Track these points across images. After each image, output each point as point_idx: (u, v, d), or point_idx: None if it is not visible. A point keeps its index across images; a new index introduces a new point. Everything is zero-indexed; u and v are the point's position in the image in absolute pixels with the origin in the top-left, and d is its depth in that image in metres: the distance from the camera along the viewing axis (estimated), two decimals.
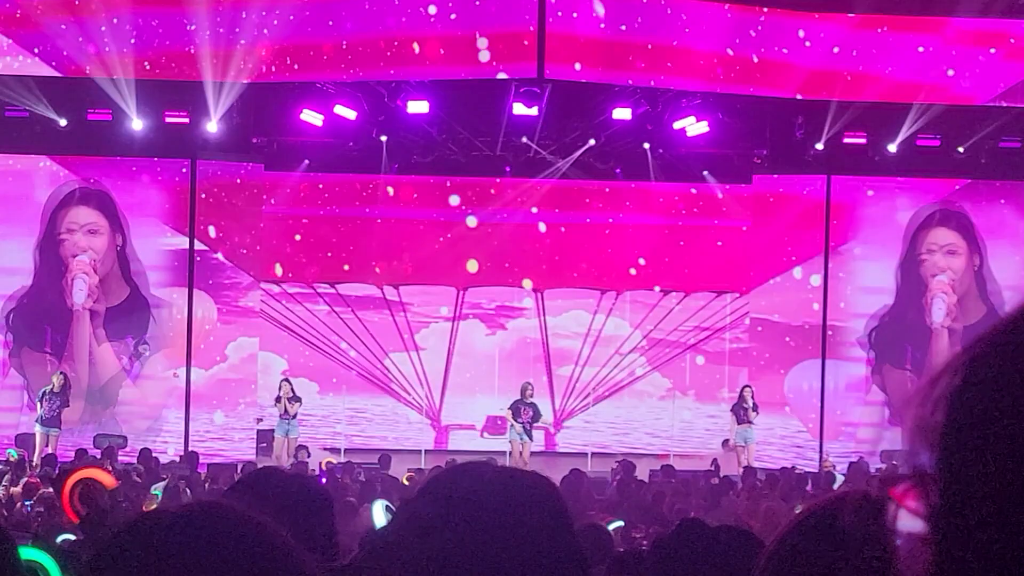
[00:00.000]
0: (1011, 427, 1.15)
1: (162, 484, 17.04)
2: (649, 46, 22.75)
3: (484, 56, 22.58)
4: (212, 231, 23.90)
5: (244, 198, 24.10)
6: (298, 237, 24.56)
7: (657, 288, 24.83)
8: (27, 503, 15.54)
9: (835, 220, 24.27)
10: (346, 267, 24.71)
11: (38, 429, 21.98)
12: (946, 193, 24.37)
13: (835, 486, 19.01)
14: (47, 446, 21.72)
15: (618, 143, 23.95)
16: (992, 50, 23.12)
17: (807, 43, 23.09)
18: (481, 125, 23.76)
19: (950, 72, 23.13)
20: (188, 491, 16.18)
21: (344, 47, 22.67)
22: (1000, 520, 1.15)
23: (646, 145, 23.89)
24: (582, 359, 24.96)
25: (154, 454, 20.65)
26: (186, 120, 22.86)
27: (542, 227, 24.90)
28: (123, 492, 14.82)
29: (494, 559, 2.05)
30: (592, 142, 23.76)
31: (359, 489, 17.23)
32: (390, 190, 24.48)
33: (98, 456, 20.16)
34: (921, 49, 23.00)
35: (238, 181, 24.04)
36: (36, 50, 22.43)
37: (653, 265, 24.83)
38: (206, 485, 17.63)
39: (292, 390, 23.00)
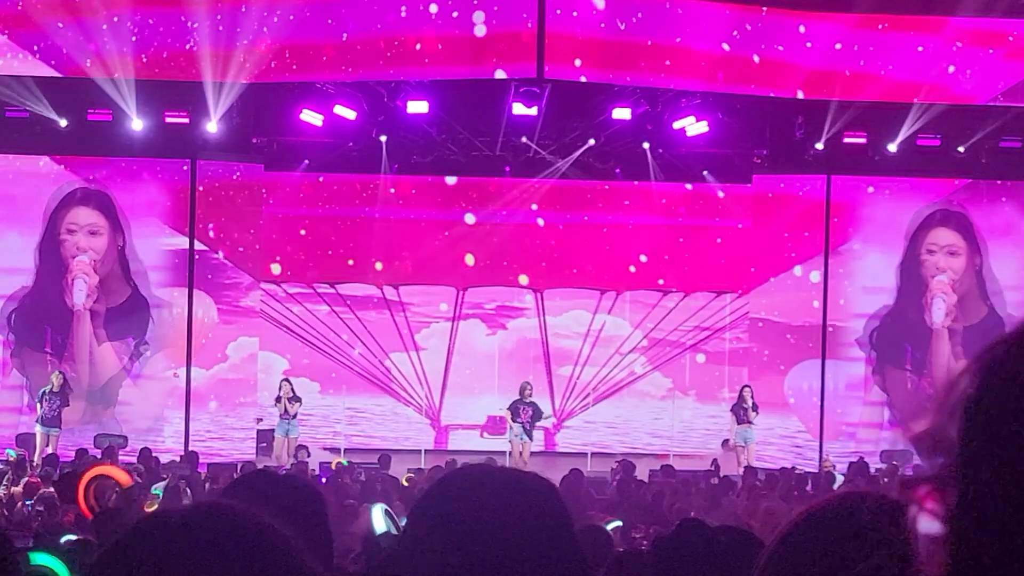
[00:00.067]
0: None
1: (163, 484, 17.05)
2: (649, 42, 22.72)
3: (480, 31, 22.47)
4: (212, 231, 23.90)
5: (244, 198, 24.10)
6: (301, 234, 24.56)
7: (661, 281, 24.83)
8: (27, 503, 15.56)
9: (835, 220, 24.27)
10: (347, 266, 24.70)
11: (38, 429, 21.98)
12: (946, 193, 24.38)
13: (835, 486, 19.02)
14: (48, 446, 21.73)
15: (618, 143, 23.95)
16: (992, 50, 23.12)
17: (807, 43, 23.09)
18: (481, 125, 23.76)
19: (951, 69, 23.12)
20: (188, 491, 16.18)
21: (344, 47, 22.67)
22: (1017, 521, 1.16)
23: (646, 145, 23.89)
24: (582, 359, 24.97)
25: (154, 454, 20.65)
26: (186, 120, 22.85)
27: (541, 224, 24.89)
28: (122, 493, 14.81)
29: (496, 562, 2.05)
30: (592, 142, 23.76)
31: (359, 489, 17.24)
32: (391, 190, 24.47)
33: (98, 456, 20.16)
34: (921, 49, 23.00)
35: (236, 176, 24.01)
36: (36, 49, 22.41)
37: (653, 265, 24.83)
38: (206, 485, 17.64)
39: (292, 390, 23.01)
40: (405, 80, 23.14)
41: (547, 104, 22.74)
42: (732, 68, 23.06)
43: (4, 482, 18.27)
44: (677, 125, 23.59)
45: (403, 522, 2.29)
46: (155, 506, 13.83)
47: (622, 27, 22.69)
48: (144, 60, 22.33)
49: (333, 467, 20.02)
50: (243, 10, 22.18)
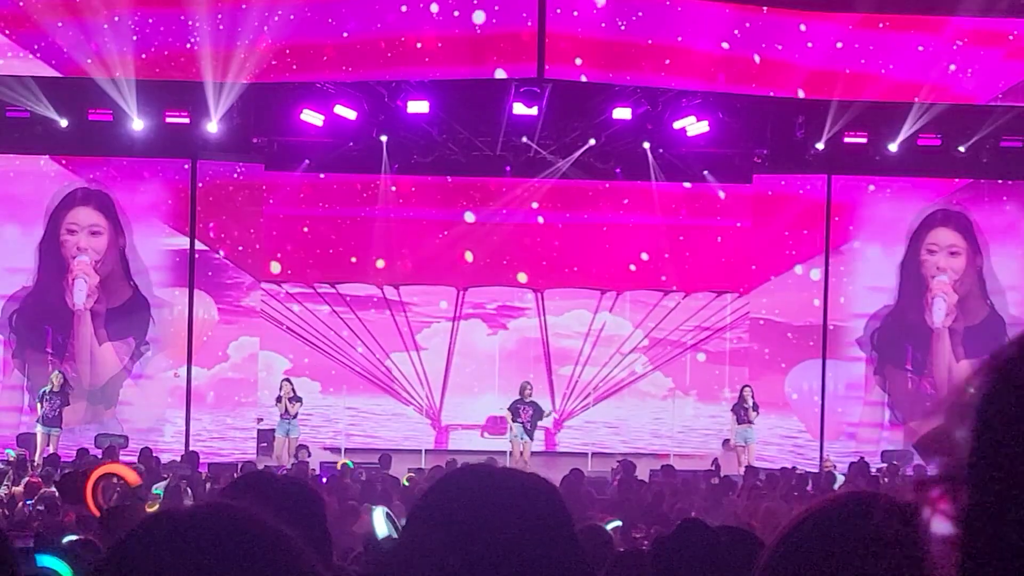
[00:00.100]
0: None
1: (163, 484, 17.05)
2: (649, 41, 22.71)
3: (479, 17, 22.45)
4: (213, 231, 23.90)
5: (244, 198, 24.10)
6: (303, 233, 24.56)
7: (663, 279, 24.83)
8: (28, 503, 15.56)
9: (836, 219, 24.26)
10: (347, 266, 24.71)
11: (39, 429, 21.99)
12: (947, 193, 24.37)
13: (835, 486, 19.02)
14: (48, 446, 21.74)
15: (618, 143, 23.96)
16: (993, 50, 23.11)
17: (808, 42, 23.08)
18: (481, 125, 23.77)
19: (952, 67, 23.11)
20: (189, 491, 16.18)
21: (344, 47, 22.66)
22: None
23: (646, 145, 23.89)
24: (583, 359, 24.97)
25: (154, 454, 20.65)
26: (186, 120, 22.86)
27: (541, 224, 24.89)
28: (126, 491, 14.82)
29: (497, 563, 2.05)
30: (592, 142, 23.76)
31: (360, 489, 17.25)
32: (392, 188, 24.45)
33: (99, 456, 20.17)
34: (921, 48, 23.00)
35: (236, 176, 24.00)
36: (36, 49, 22.41)
37: (653, 265, 24.83)
38: (207, 485, 17.64)
39: (293, 390, 23.02)
40: (405, 80, 23.14)
41: (547, 104, 22.74)
42: (732, 68, 23.06)
43: (5, 482, 18.27)
44: (677, 125, 23.59)
45: (403, 523, 2.28)
46: (156, 506, 13.83)
47: (622, 27, 22.69)
48: (144, 60, 22.33)
49: (339, 468, 20.01)
50: (244, 9, 22.17)
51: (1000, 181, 24.11)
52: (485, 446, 23.44)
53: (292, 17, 22.29)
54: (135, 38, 22.18)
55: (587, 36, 22.60)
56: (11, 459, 19.78)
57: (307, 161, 24.08)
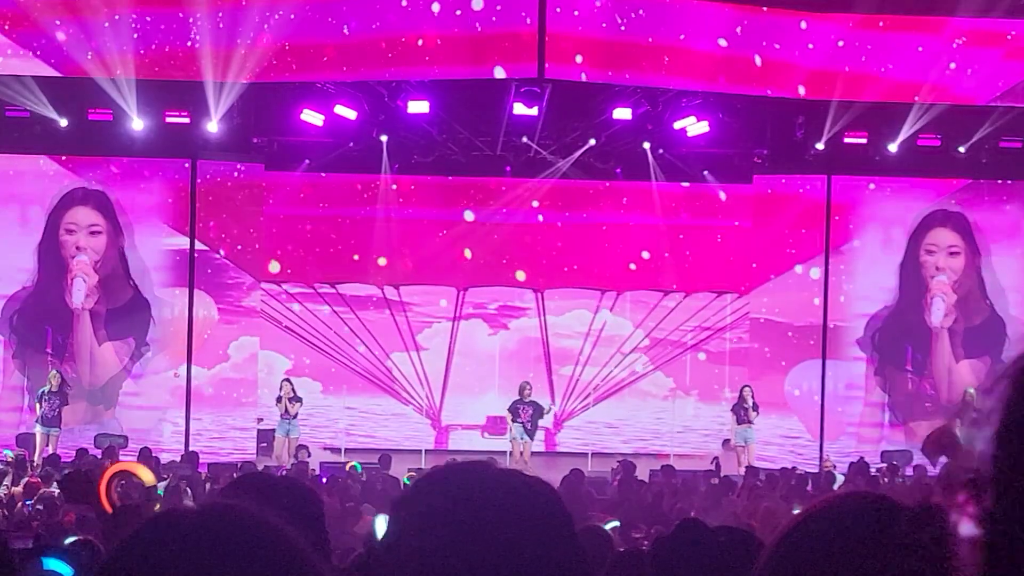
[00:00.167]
0: None
1: (163, 484, 17.04)
2: (649, 40, 22.70)
3: (477, 4, 22.43)
4: (213, 231, 23.89)
5: (245, 198, 24.10)
6: (303, 233, 24.56)
7: (669, 280, 24.84)
8: (27, 503, 15.55)
9: (836, 218, 24.25)
10: (347, 266, 24.72)
11: (38, 429, 21.99)
12: (947, 193, 24.36)
13: (835, 486, 19.02)
14: (48, 446, 21.74)
15: (618, 143, 23.96)
16: (992, 50, 23.11)
17: (808, 42, 23.08)
18: (481, 125, 23.77)
19: (952, 66, 23.10)
20: (189, 491, 16.18)
21: (345, 46, 22.66)
22: None
23: (646, 145, 23.89)
24: (583, 359, 24.97)
25: (154, 454, 20.65)
26: (187, 120, 22.85)
27: (542, 224, 24.90)
28: (128, 491, 14.81)
29: (495, 564, 2.05)
30: (592, 142, 23.77)
31: (360, 489, 17.26)
32: (393, 186, 24.43)
33: (99, 456, 20.17)
34: (921, 48, 22.99)
35: (237, 174, 23.99)
36: (36, 48, 22.41)
37: (653, 265, 24.83)
38: (207, 485, 17.64)
39: (293, 390, 23.03)
40: (406, 80, 23.14)
41: (548, 104, 22.73)
42: (733, 68, 23.05)
43: (4, 482, 18.27)
44: (678, 125, 23.60)
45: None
46: (157, 506, 13.81)
47: (622, 27, 22.68)
48: (145, 59, 22.32)
49: (347, 469, 19.97)
50: (244, 9, 22.17)
51: (1000, 181, 24.10)
52: (485, 446, 23.45)
53: (292, 16, 22.29)
54: (135, 37, 22.18)
55: (587, 36, 22.60)
56: (9, 459, 19.75)
57: (307, 161, 24.08)
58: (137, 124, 22.61)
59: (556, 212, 24.88)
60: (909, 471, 21.22)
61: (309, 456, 21.98)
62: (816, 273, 24.37)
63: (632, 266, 24.84)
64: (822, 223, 24.21)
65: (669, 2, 22.83)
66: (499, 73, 22.61)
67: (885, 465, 21.74)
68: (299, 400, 22.94)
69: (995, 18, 22.42)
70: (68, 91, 22.42)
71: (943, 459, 6.98)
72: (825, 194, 24.16)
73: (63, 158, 23.36)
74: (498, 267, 24.84)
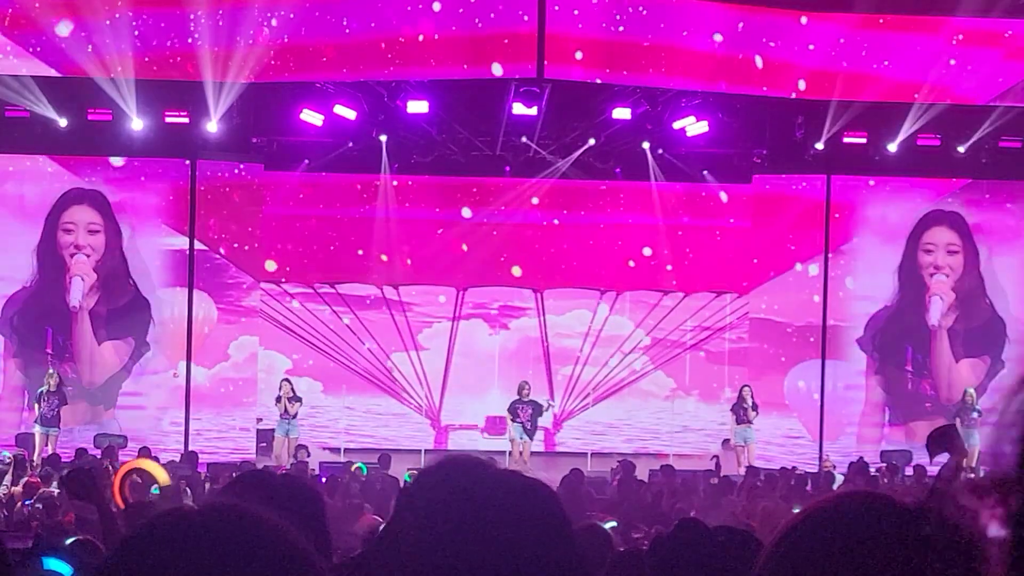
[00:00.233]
0: None
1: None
2: (649, 42, 22.70)
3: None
4: (213, 231, 23.89)
5: (244, 198, 24.09)
6: (302, 233, 24.56)
7: (667, 278, 24.83)
8: (27, 503, 15.55)
9: (836, 216, 24.25)
10: (347, 266, 24.72)
11: (37, 429, 21.99)
12: (947, 193, 24.36)
13: (835, 486, 19.02)
14: (47, 446, 21.74)
15: (618, 143, 23.96)
16: (992, 49, 23.11)
17: (808, 42, 23.08)
18: (481, 125, 23.77)
19: (951, 63, 23.09)
20: (188, 491, 16.17)
21: (344, 46, 22.65)
22: None
23: (646, 145, 23.89)
24: (584, 359, 24.97)
25: (154, 454, 20.63)
26: (186, 120, 22.85)
27: (541, 224, 24.90)
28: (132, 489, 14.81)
29: (494, 564, 2.05)
30: (592, 142, 23.76)
31: (359, 489, 17.26)
32: (394, 183, 24.42)
33: (98, 456, 20.17)
34: (921, 48, 22.99)
35: (237, 172, 23.99)
36: (36, 48, 22.40)
37: (653, 265, 24.84)
38: (206, 485, 17.63)
39: (292, 390, 23.03)
40: (405, 80, 23.14)
41: (547, 104, 22.73)
42: (732, 68, 23.05)
43: (4, 482, 18.28)
44: (677, 125, 23.60)
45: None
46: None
47: (622, 28, 22.67)
48: (144, 59, 22.32)
49: (352, 470, 19.95)
50: (243, 8, 22.16)
51: (1005, 182, 24.09)
52: (485, 446, 23.44)
53: (292, 16, 22.28)
54: (135, 37, 22.18)
55: (587, 36, 22.60)
56: (8, 460, 19.70)
57: (307, 161, 24.08)
58: (137, 124, 22.60)
59: (556, 212, 24.88)
60: (909, 471, 21.23)
61: (309, 456, 21.99)
62: (815, 270, 24.37)
63: (631, 263, 24.84)
64: (821, 223, 24.21)
65: (668, 2, 22.82)
66: (496, 70, 22.57)
67: (885, 465, 21.74)
68: (298, 400, 22.94)
69: (994, 18, 22.42)
70: (68, 91, 22.42)
71: (942, 458, 6.99)
72: (825, 194, 24.15)
73: (63, 160, 23.36)
74: (498, 267, 24.84)
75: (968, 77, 23.21)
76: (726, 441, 23.86)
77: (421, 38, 22.40)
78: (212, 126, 22.83)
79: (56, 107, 22.39)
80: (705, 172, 24.43)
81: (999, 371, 24.09)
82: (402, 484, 17.70)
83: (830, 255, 24.26)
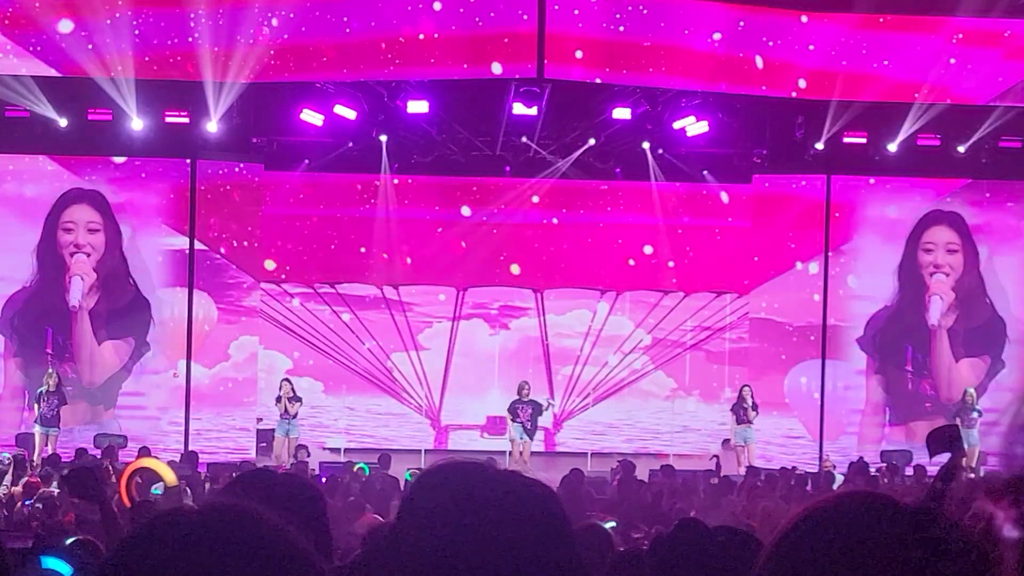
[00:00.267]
0: None
1: (162, 484, 17.01)
2: (649, 38, 22.68)
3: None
4: (213, 231, 23.89)
5: (244, 198, 24.09)
6: (302, 233, 24.56)
7: (663, 276, 24.82)
8: (27, 502, 15.55)
9: (836, 215, 24.25)
10: (347, 266, 24.72)
11: (37, 429, 22.00)
12: (947, 192, 24.36)
13: (834, 486, 19.02)
14: (47, 446, 21.74)
15: (618, 143, 23.96)
16: (992, 49, 23.10)
17: (808, 42, 23.08)
18: (481, 125, 23.77)
19: (951, 68, 23.09)
20: (188, 491, 16.17)
21: (344, 46, 22.65)
22: None
23: (646, 145, 23.89)
24: (585, 359, 24.96)
25: (153, 454, 20.62)
26: (186, 120, 22.85)
27: (541, 225, 24.90)
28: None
29: (494, 565, 2.05)
30: (592, 142, 23.76)
31: (359, 489, 17.24)
32: (395, 181, 24.41)
33: (98, 456, 20.16)
34: (921, 48, 22.99)
35: (238, 170, 23.98)
36: (36, 48, 22.40)
37: (653, 265, 24.84)
38: (206, 485, 17.63)
39: (292, 390, 23.03)
40: (405, 80, 23.14)
41: (547, 104, 22.73)
42: (732, 68, 23.05)
43: (4, 482, 18.27)
44: (677, 125, 23.60)
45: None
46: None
47: (622, 28, 22.67)
48: (144, 59, 22.32)
49: (355, 470, 19.96)
50: (244, 8, 22.16)
51: (1006, 182, 24.09)
52: (485, 446, 23.45)
53: (292, 16, 22.28)
54: (135, 36, 22.18)
55: (587, 36, 22.59)
56: (7, 462, 19.67)
57: (307, 161, 24.08)
58: (137, 124, 22.60)
59: (556, 212, 24.88)
60: (909, 471, 21.23)
61: (308, 456, 21.98)
62: (815, 268, 24.38)
63: (631, 262, 24.84)
64: (821, 223, 24.21)
65: (669, 1, 22.82)
66: (496, 68, 22.56)
67: (885, 465, 21.74)
68: (298, 400, 22.94)
69: (995, 18, 22.42)
70: (68, 91, 22.42)
71: (942, 457, 6.99)
72: (824, 194, 24.15)
73: (62, 161, 23.36)
74: (498, 267, 24.84)
75: (968, 77, 23.21)
76: (726, 441, 23.86)
77: (422, 36, 22.39)
78: (212, 126, 22.83)
79: (56, 107, 22.39)
80: (705, 172, 24.43)
81: (999, 371, 24.10)
82: (403, 483, 17.73)
83: (830, 255, 24.26)
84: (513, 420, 22.83)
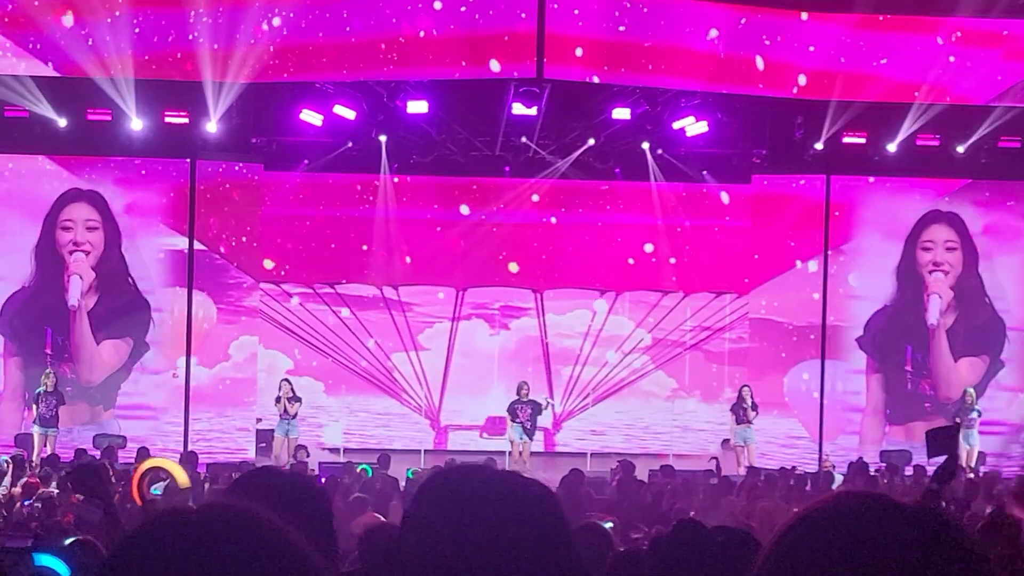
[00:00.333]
0: None
1: (162, 484, 17.01)
2: (649, 38, 22.68)
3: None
4: (212, 231, 23.89)
5: (243, 198, 24.10)
6: (302, 234, 24.56)
7: (663, 277, 24.83)
8: (26, 503, 15.54)
9: (835, 214, 24.26)
10: (346, 266, 24.72)
11: (36, 430, 22.00)
12: (946, 193, 24.37)
13: (834, 486, 19.03)
14: (46, 446, 21.73)
15: (617, 143, 23.96)
16: (991, 49, 23.10)
17: (807, 43, 23.07)
18: (480, 125, 23.77)
19: (951, 67, 23.09)
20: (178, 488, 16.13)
21: (344, 46, 22.65)
22: None
23: (645, 145, 23.90)
24: (584, 359, 24.96)
25: (152, 454, 20.62)
26: (186, 120, 22.86)
27: (540, 225, 24.90)
28: (128, 492, 14.82)
29: (493, 565, 2.05)
30: (591, 142, 23.76)
31: (359, 489, 17.22)
32: (395, 179, 24.42)
33: (98, 456, 20.15)
34: (921, 49, 22.99)
35: (238, 169, 23.97)
36: (36, 48, 22.40)
37: (653, 265, 24.84)
38: (206, 485, 17.62)
39: (292, 390, 23.03)
40: (405, 80, 23.13)
41: (547, 104, 22.73)
42: (732, 68, 23.05)
43: (3, 483, 18.27)
44: (677, 125, 23.60)
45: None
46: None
47: (621, 28, 22.67)
48: (143, 59, 22.32)
49: (357, 471, 19.96)
50: (243, 8, 22.15)
51: (1006, 182, 24.10)
52: (484, 447, 23.46)
53: (291, 15, 22.27)
54: (134, 36, 22.17)
55: (586, 36, 22.59)
56: (6, 467, 19.65)
57: (306, 161, 24.08)
58: (136, 124, 22.61)
59: (555, 212, 24.88)
60: (909, 471, 21.23)
61: (308, 456, 21.98)
62: (814, 266, 24.39)
63: (630, 260, 24.83)
64: (821, 223, 24.22)
65: (669, 1, 22.81)
66: (494, 66, 22.53)
67: (884, 465, 21.75)
68: (298, 400, 22.94)
69: (995, 18, 22.42)
70: (67, 91, 22.42)
71: (940, 458, 6.99)
72: (824, 194, 24.15)
73: (62, 160, 23.35)
74: (497, 267, 24.84)
75: (967, 77, 23.21)
76: (725, 441, 23.86)
77: (422, 34, 22.37)
78: (212, 126, 22.83)
79: (55, 107, 22.40)
80: (704, 172, 24.43)
81: (998, 371, 24.11)
82: (403, 483, 17.74)
83: (829, 254, 24.27)
84: (512, 420, 22.82)
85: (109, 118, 22.55)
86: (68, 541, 8.76)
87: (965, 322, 24.16)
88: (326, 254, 24.65)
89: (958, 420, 20.73)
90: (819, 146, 23.42)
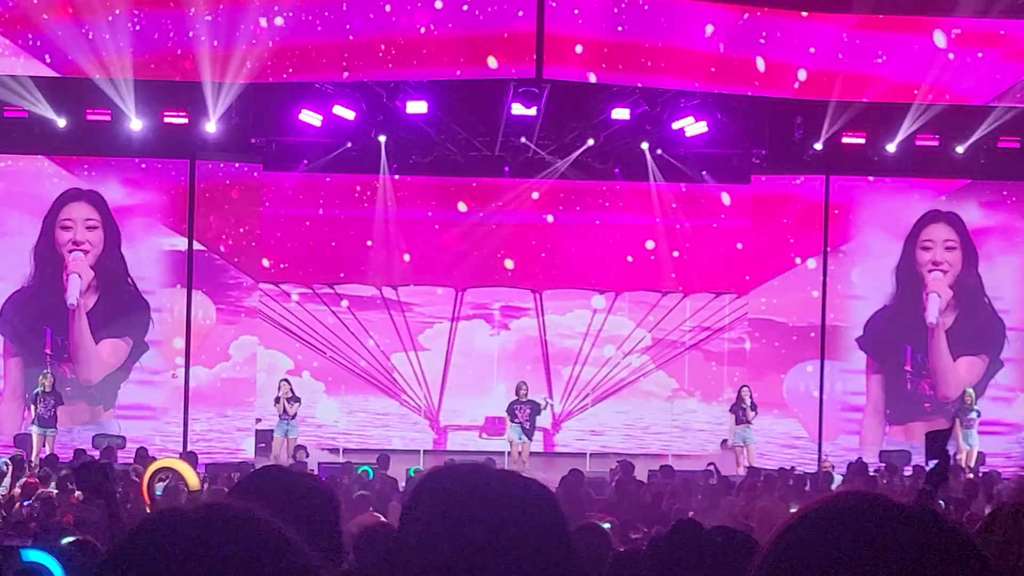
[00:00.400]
0: None
1: (162, 484, 17.01)
2: (648, 38, 22.67)
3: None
4: (212, 231, 23.89)
5: (243, 198, 24.10)
6: (301, 234, 24.55)
7: (662, 277, 24.82)
8: (25, 502, 15.55)
9: (835, 212, 24.27)
10: (346, 267, 24.71)
11: (34, 430, 21.99)
12: (945, 193, 24.38)
13: (833, 486, 19.04)
14: (44, 446, 21.73)
15: (617, 143, 23.96)
16: (991, 50, 23.11)
17: (807, 43, 23.07)
18: (480, 125, 23.76)
19: (950, 65, 23.09)
20: (188, 490, 16.14)
21: (343, 47, 22.64)
22: None
23: (645, 145, 23.90)
24: (584, 359, 24.95)
25: (152, 454, 20.62)
26: (185, 120, 22.86)
27: (540, 225, 24.89)
28: (127, 492, 14.82)
29: (492, 564, 2.05)
30: (591, 142, 23.76)
31: (359, 489, 17.23)
32: (395, 178, 24.41)
33: (97, 456, 20.14)
34: (920, 49, 22.99)
35: (237, 167, 23.98)
36: (35, 48, 22.39)
37: (652, 265, 24.83)
38: (205, 485, 17.61)
39: (291, 390, 23.03)
40: (404, 80, 23.13)
41: (546, 104, 22.73)
42: (732, 68, 23.05)
43: (2, 483, 18.27)
44: (676, 125, 23.60)
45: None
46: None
47: (621, 28, 22.66)
48: (143, 59, 22.31)
49: (358, 472, 19.96)
50: (242, 8, 22.15)
51: (1006, 182, 24.10)
52: (484, 447, 23.45)
53: (290, 14, 22.27)
54: (134, 37, 22.17)
55: (586, 36, 22.58)
56: (5, 469, 19.63)
57: (305, 161, 24.08)
58: (135, 124, 22.61)
59: (555, 212, 24.88)
60: (908, 471, 21.23)
61: (307, 456, 21.98)
62: (813, 263, 24.39)
63: (630, 258, 24.83)
64: (820, 223, 24.23)
65: (668, 1, 22.81)
66: (491, 63, 22.51)
67: (884, 465, 21.75)
68: (297, 400, 22.94)
69: (995, 18, 22.42)
70: (66, 91, 22.42)
71: (934, 462, 7.01)
72: (823, 194, 24.16)
73: (61, 161, 23.35)
74: (497, 267, 24.84)
75: (967, 77, 23.21)
76: (724, 441, 23.85)
77: (422, 30, 22.36)
78: (211, 126, 22.83)
79: (55, 107, 22.40)
80: (704, 172, 24.43)
81: (998, 370, 24.12)
82: (403, 483, 17.74)
83: (829, 255, 24.27)
84: (512, 421, 22.82)
85: (108, 118, 22.55)
86: (67, 541, 8.76)
87: (964, 322, 24.17)
88: (325, 254, 24.65)
89: (958, 420, 20.74)
90: (818, 146, 23.42)
